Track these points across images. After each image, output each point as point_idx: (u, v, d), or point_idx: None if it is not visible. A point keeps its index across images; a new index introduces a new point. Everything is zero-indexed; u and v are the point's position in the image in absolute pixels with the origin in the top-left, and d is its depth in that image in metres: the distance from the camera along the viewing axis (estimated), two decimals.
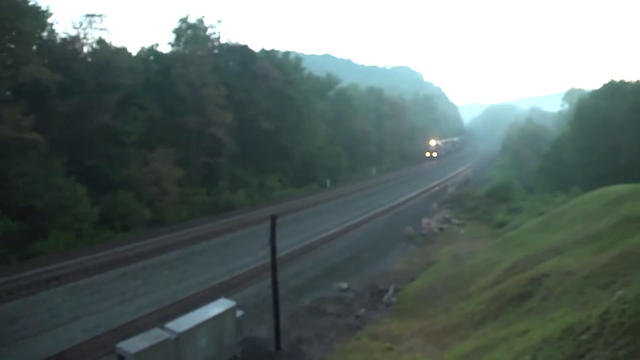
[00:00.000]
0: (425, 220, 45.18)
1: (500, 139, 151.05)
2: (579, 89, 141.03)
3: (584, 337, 11.20)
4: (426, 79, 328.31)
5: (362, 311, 24.43)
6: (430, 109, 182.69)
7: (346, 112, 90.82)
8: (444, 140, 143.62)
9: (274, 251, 19.80)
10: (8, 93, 38.15)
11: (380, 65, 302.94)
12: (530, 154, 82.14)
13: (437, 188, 68.92)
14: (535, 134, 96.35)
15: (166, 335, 15.25)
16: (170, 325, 16.13)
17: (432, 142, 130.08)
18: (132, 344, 14.48)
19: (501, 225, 40.59)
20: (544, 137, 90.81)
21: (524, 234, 30.28)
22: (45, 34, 43.84)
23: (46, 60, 40.15)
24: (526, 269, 20.83)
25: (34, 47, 40.13)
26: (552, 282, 17.32)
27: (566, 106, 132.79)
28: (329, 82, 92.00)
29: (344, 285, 28.11)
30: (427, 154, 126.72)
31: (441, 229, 42.93)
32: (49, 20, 43.66)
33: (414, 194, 63.01)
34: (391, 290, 26.46)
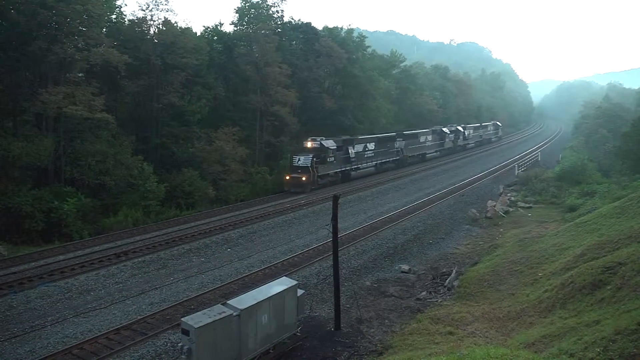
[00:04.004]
0: (490, 203, 43.94)
1: (573, 118, 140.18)
2: None
3: None
4: (495, 55, 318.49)
5: (423, 294, 24.04)
6: (497, 88, 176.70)
7: (410, 91, 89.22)
8: (450, 128, 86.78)
9: (335, 230, 19.72)
10: (80, 75, 39.75)
11: (446, 42, 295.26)
12: (606, 134, 77.79)
13: (503, 169, 66.74)
14: (612, 113, 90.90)
15: (228, 311, 15.48)
16: (233, 302, 16.36)
17: (309, 144, 50.29)
18: (196, 319, 14.79)
19: (572, 209, 38.70)
20: (623, 116, 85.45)
21: (598, 218, 28.66)
22: (114, 16, 45.34)
23: (115, 42, 41.44)
24: (599, 256, 19.74)
25: (104, 30, 41.48)
26: (629, 271, 16.30)
27: None
28: (393, 60, 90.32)
29: (405, 267, 27.78)
30: (287, 178, 48.08)
31: (507, 212, 41.55)
32: (118, 2, 45.16)
33: (479, 174, 61.32)
34: (454, 274, 25.87)
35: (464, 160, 78.46)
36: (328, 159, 49.70)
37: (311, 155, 47.58)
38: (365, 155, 57.43)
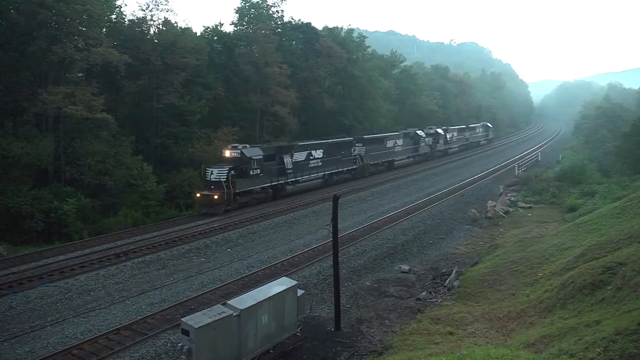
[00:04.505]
0: (490, 203, 43.95)
1: (573, 118, 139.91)
2: None
3: None
4: (495, 55, 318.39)
5: (423, 294, 24.04)
6: (497, 88, 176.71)
7: (410, 91, 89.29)
8: (428, 131, 78.69)
9: (335, 231, 19.71)
10: (80, 75, 39.76)
11: (446, 42, 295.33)
12: (606, 134, 77.72)
13: (503, 170, 66.75)
14: (612, 113, 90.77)
15: (228, 311, 15.49)
16: (233, 302, 16.38)
17: (228, 153, 40.68)
18: (196, 319, 14.80)
19: (572, 209, 38.68)
20: (623, 116, 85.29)
21: (598, 219, 28.66)
22: (114, 16, 45.35)
23: (115, 42, 41.46)
24: (599, 256, 19.73)
25: (104, 30, 41.48)
26: (629, 271, 16.27)
27: None
28: (393, 60, 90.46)
29: (405, 267, 27.77)
30: (197, 196, 38.32)
31: (507, 212, 41.56)
32: (118, 2, 45.20)
33: (479, 174, 61.31)
34: (454, 274, 25.87)
35: (463, 161, 78.42)
36: (251, 172, 39.82)
37: (227, 168, 38.13)
38: (310, 165, 47.67)
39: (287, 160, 44.12)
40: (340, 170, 52.68)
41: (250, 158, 39.62)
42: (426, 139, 74.96)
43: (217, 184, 37.59)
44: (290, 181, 45.03)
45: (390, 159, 65.01)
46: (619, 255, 18.32)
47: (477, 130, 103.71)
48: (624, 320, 12.75)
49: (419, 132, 73.27)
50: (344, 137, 55.38)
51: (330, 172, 50.88)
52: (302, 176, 46.30)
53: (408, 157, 70.70)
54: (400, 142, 66.88)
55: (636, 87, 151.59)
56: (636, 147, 53.38)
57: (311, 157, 47.83)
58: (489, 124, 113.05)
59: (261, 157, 40.75)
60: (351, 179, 55.14)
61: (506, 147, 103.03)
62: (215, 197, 37.13)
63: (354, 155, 55.47)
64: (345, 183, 53.26)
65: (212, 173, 37.98)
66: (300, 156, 46.25)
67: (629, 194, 33.57)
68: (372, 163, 59.61)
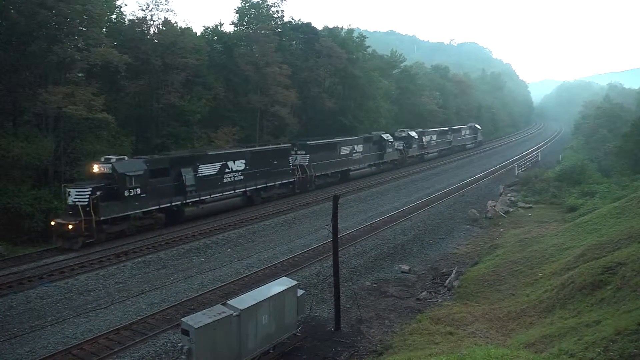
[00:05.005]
0: (490, 203, 43.94)
1: (573, 118, 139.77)
2: None
3: None
4: (495, 55, 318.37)
5: (423, 294, 24.04)
6: (497, 88, 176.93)
7: (410, 91, 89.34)
8: (400, 134, 69.88)
9: (335, 231, 19.72)
10: (80, 74, 39.77)
11: (446, 42, 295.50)
12: (606, 135, 77.69)
13: (503, 170, 66.77)
14: (613, 113, 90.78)
15: (228, 311, 15.49)
16: (233, 302, 16.37)
17: (97, 169, 31.17)
18: (196, 319, 14.79)
19: (572, 209, 38.69)
20: (623, 116, 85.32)
21: (598, 219, 28.67)
22: (114, 16, 45.40)
23: (115, 42, 41.51)
24: (599, 256, 19.73)
25: (104, 30, 41.51)
26: (629, 271, 16.29)
27: None
28: (393, 60, 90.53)
29: (405, 267, 27.77)
30: (52, 224, 29.05)
31: (507, 212, 41.55)
32: (118, 2, 45.28)
33: (479, 174, 61.33)
34: (454, 274, 25.88)
35: (463, 161, 78.40)
36: (127, 193, 30.69)
37: (90, 188, 29.27)
38: (225, 180, 38.39)
39: (187, 175, 34.84)
40: (271, 184, 43.09)
41: (123, 174, 30.39)
42: (394, 144, 64.87)
43: (74, 209, 28.71)
44: (190, 201, 35.40)
45: (344, 169, 54.21)
46: (619, 255, 18.34)
47: (463, 133, 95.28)
48: (624, 320, 12.77)
49: (384, 135, 62.68)
50: (279, 144, 46.42)
51: (255, 187, 41.33)
52: (211, 193, 36.98)
53: (370, 166, 60.22)
54: (359, 147, 56.27)
55: (636, 87, 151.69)
56: (636, 147, 53.42)
57: (227, 170, 38.49)
58: (477, 126, 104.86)
59: (142, 172, 31.50)
60: (286, 195, 45.21)
61: (506, 147, 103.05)
62: (70, 226, 28.27)
63: (293, 166, 46.06)
64: (282, 200, 44.30)
65: (69, 194, 29.16)
66: (209, 169, 36.90)
67: (629, 194, 33.60)
68: (318, 174, 49.05)
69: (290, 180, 45.24)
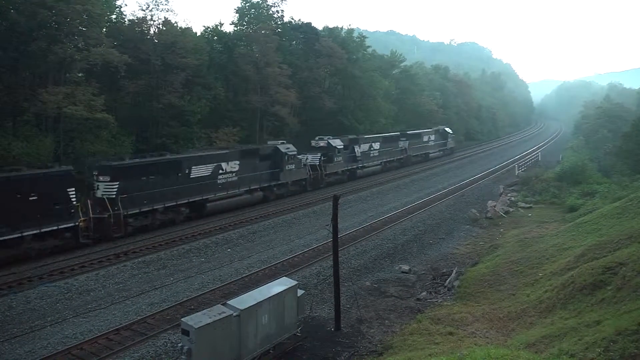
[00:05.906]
0: (490, 203, 43.92)
1: (573, 118, 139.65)
2: None
3: None
4: (495, 55, 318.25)
5: (423, 294, 24.01)
6: (498, 88, 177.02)
7: (411, 91, 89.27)
8: (317, 143, 50.95)
9: (335, 231, 19.70)
10: (80, 75, 39.79)
11: (446, 42, 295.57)
12: (606, 135, 77.70)
13: (503, 170, 66.77)
14: (613, 113, 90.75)
15: (228, 311, 15.47)
16: (233, 302, 16.34)
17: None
18: (196, 319, 14.77)
19: (573, 209, 38.66)
20: (623, 116, 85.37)
21: (598, 219, 28.67)
22: (114, 16, 45.43)
23: (115, 42, 41.50)
24: (600, 256, 19.72)
25: (104, 30, 41.54)
26: (629, 271, 16.27)
27: None
28: (393, 60, 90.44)
29: (405, 267, 27.74)
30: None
31: (507, 212, 41.53)
32: (118, 2, 45.33)
33: (479, 175, 61.32)
34: (454, 274, 25.85)
35: (463, 161, 78.39)
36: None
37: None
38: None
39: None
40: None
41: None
42: (300, 158, 45.65)
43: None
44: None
45: (194, 199, 35.06)
46: (619, 255, 18.33)
47: (425, 139, 75.03)
48: (625, 320, 12.75)
49: (282, 147, 43.37)
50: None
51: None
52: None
53: (250, 191, 40.19)
54: (233, 165, 38.17)
55: (636, 87, 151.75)
56: (636, 147, 53.43)
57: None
58: (447, 129, 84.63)
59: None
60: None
61: (506, 147, 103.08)
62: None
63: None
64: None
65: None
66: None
67: (629, 194, 33.56)
68: (132, 213, 30.73)
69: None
